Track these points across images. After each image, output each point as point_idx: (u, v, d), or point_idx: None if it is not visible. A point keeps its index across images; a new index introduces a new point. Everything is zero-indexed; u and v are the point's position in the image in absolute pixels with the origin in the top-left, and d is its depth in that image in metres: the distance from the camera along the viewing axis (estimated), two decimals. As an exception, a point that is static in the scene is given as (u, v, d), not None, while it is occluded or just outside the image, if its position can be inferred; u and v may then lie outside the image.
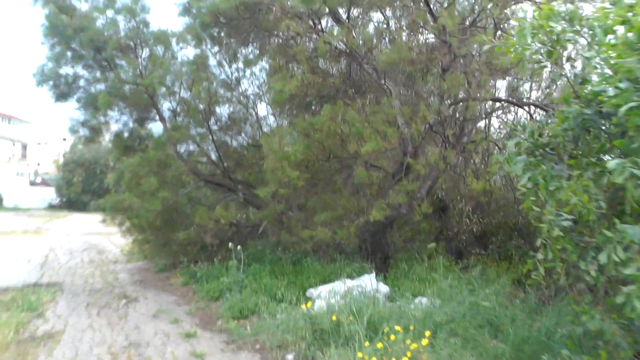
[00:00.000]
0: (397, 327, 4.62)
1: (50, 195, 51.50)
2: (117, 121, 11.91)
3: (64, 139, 63.53)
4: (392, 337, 4.48)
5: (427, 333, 4.48)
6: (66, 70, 11.29)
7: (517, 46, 4.20)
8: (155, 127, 12.49)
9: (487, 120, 11.98)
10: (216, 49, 12.05)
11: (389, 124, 8.54)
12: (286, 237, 8.97)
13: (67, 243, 19.47)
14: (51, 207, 48.70)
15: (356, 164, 8.46)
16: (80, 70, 11.36)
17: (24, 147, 57.72)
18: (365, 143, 7.38)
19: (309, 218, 8.68)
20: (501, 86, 12.03)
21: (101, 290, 10.13)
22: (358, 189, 8.90)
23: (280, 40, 10.58)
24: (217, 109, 11.30)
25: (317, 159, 8.30)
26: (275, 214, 9.04)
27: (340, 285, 7.98)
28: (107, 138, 14.44)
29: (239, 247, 8.75)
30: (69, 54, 11.06)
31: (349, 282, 8.25)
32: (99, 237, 22.41)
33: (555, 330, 5.61)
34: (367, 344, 4.66)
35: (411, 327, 4.70)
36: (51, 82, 11.16)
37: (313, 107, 10.25)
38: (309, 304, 6.29)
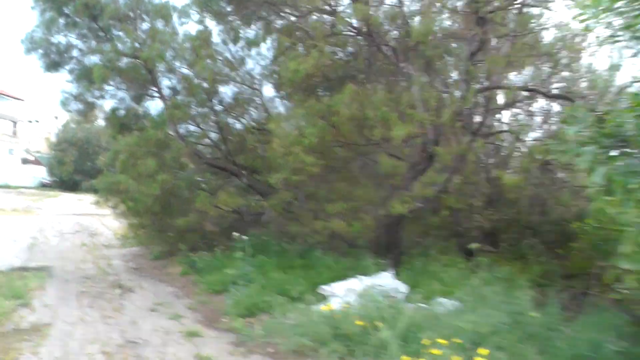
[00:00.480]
0: (441, 341, 3.98)
1: (41, 174, 50.56)
2: (113, 96, 11.11)
3: (56, 117, 62.29)
4: (436, 351, 3.84)
5: (484, 351, 3.84)
6: (58, 38, 10.49)
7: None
8: (153, 106, 11.73)
9: (502, 111, 11.28)
10: (220, 25, 11.26)
11: (412, 109, 7.88)
12: (295, 227, 8.30)
13: (57, 224, 18.73)
14: (42, 186, 47.83)
15: (375, 151, 7.79)
16: (73, 39, 10.55)
17: (15, 124, 56.41)
18: (394, 127, 6.66)
19: (321, 208, 8.01)
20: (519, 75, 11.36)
21: (94, 278, 9.45)
22: (376, 179, 8.23)
23: (293, 18, 9.80)
24: (221, 89, 10.51)
25: (333, 144, 7.60)
26: (283, 202, 8.37)
27: (356, 283, 7.38)
28: (100, 116, 13.66)
29: (244, 236, 8.05)
30: (61, 20, 10.25)
31: (366, 280, 7.67)
32: (91, 218, 21.66)
33: (600, 344, 5.00)
34: (406, 358, 4.02)
35: (457, 341, 4.06)
36: (41, 51, 10.35)
37: (320, 91, 9.50)
38: (329, 305, 5.64)
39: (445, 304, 6.55)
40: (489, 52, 8.15)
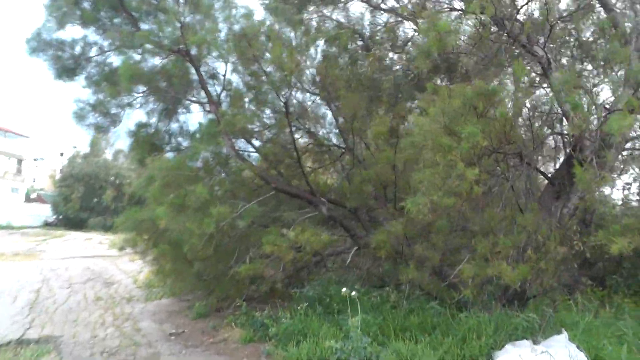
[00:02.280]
0: None
1: (46, 212, 48.11)
2: (143, 106, 8.67)
3: (62, 154, 60.35)
4: None
5: None
6: (73, 35, 8.13)
7: None
8: (191, 120, 9.32)
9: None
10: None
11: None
12: (415, 274, 5.71)
13: (64, 271, 15.97)
14: (47, 225, 45.25)
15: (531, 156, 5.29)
16: (92, 35, 8.16)
17: (20, 162, 54.45)
18: (614, 117, 4.17)
19: (461, 245, 5.46)
20: None
21: (119, 352, 6.74)
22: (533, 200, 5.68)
23: None
24: (285, 92, 8.02)
25: (484, 151, 5.07)
26: (395, 239, 5.80)
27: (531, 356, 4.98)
28: (114, 141, 11.18)
29: (354, 292, 5.42)
30: (77, 13, 7.90)
31: (539, 348, 5.27)
32: (103, 261, 18.95)
33: None
34: None
35: None
36: (50, 52, 7.97)
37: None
38: None
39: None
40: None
